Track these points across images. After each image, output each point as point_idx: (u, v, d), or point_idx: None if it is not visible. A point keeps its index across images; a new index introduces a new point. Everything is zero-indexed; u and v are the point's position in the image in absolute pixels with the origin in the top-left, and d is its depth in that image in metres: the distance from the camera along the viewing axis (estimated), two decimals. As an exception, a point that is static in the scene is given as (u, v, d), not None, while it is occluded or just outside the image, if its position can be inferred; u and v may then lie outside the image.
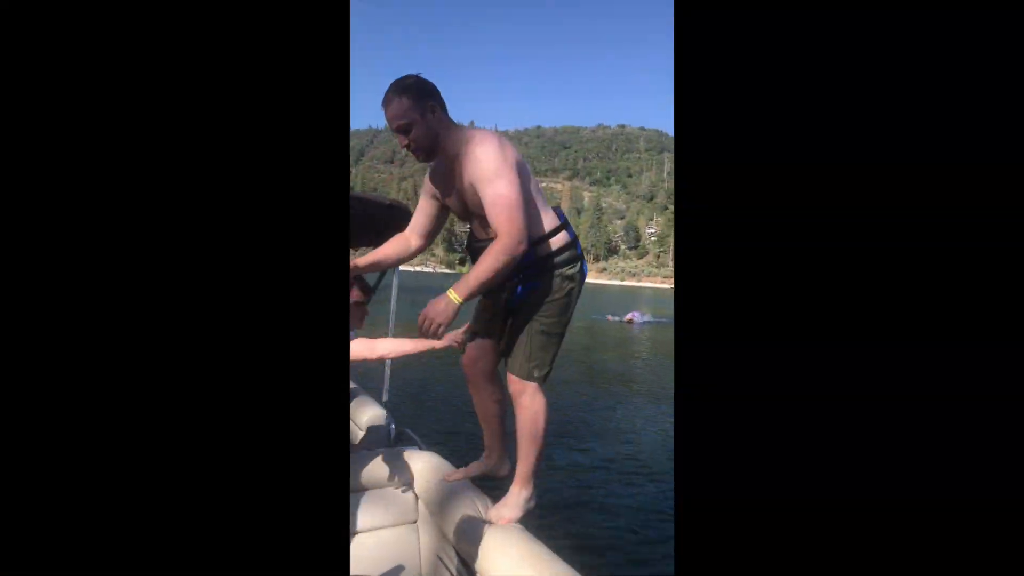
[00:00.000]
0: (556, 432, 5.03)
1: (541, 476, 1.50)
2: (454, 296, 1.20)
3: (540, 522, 1.52)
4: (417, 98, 1.26)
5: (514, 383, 1.43)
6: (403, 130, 1.28)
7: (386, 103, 1.27)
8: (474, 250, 1.40)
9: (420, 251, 1.58)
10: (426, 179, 1.50)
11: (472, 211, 1.37)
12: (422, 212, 1.53)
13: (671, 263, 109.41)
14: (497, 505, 1.47)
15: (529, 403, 1.42)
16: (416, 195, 1.67)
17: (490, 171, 1.24)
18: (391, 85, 1.28)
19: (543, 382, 1.44)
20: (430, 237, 1.56)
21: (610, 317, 20.88)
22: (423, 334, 1.23)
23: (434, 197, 1.49)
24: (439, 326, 1.19)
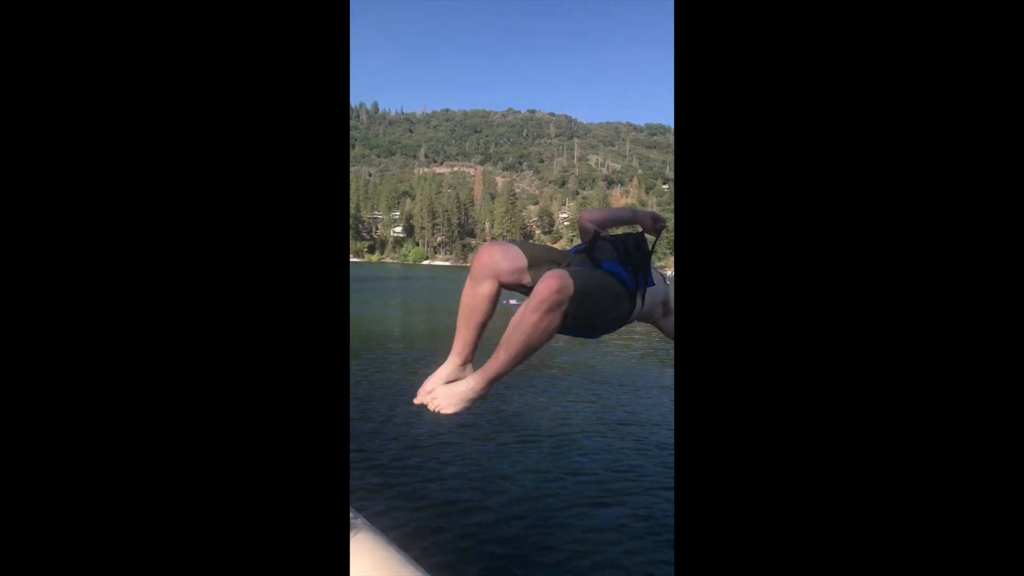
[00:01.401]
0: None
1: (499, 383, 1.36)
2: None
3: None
4: None
5: (550, 279, 1.18)
6: None
7: None
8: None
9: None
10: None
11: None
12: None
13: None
14: (443, 386, 1.33)
15: (539, 317, 1.16)
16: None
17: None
18: None
19: (573, 300, 1.18)
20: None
21: (512, 302, 18.27)
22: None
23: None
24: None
